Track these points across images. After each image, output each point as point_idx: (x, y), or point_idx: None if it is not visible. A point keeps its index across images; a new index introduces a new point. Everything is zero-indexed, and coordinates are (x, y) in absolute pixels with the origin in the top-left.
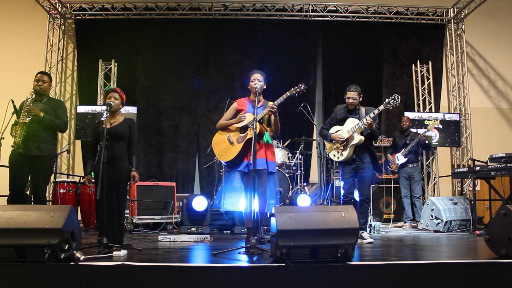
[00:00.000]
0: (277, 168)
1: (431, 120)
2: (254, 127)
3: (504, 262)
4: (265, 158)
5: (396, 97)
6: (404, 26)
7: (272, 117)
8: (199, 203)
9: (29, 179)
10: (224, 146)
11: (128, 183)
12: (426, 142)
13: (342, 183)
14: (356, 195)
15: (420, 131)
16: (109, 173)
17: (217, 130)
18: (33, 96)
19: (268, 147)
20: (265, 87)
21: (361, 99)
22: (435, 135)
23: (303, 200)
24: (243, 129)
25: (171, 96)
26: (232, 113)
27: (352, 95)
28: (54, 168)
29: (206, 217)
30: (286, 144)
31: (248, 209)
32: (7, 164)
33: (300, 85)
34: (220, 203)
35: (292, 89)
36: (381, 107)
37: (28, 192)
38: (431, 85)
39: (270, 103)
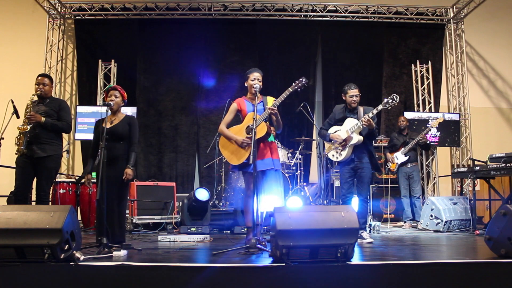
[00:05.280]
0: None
1: (436, 119)
2: (255, 127)
3: (504, 262)
4: (271, 157)
5: (394, 96)
6: (404, 26)
7: (273, 117)
8: (202, 194)
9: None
10: (233, 149)
11: (129, 182)
12: (428, 142)
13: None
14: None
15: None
16: (109, 173)
17: (217, 130)
18: (34, 98)
19: (271, 145)
20: (261, 86)
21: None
22: (436, 132)
23: (294, 203)
24: (250, 129)
25: (171, 96)
26: (232, 115)
27: (355, 92)
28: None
29: (207, 216)
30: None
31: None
32: (7, 165)
33: (301, 79)
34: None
35: (293, 84)
36: (380, 107)
37: (29, 193)
38: (431, 85)
39: (270, 97)
